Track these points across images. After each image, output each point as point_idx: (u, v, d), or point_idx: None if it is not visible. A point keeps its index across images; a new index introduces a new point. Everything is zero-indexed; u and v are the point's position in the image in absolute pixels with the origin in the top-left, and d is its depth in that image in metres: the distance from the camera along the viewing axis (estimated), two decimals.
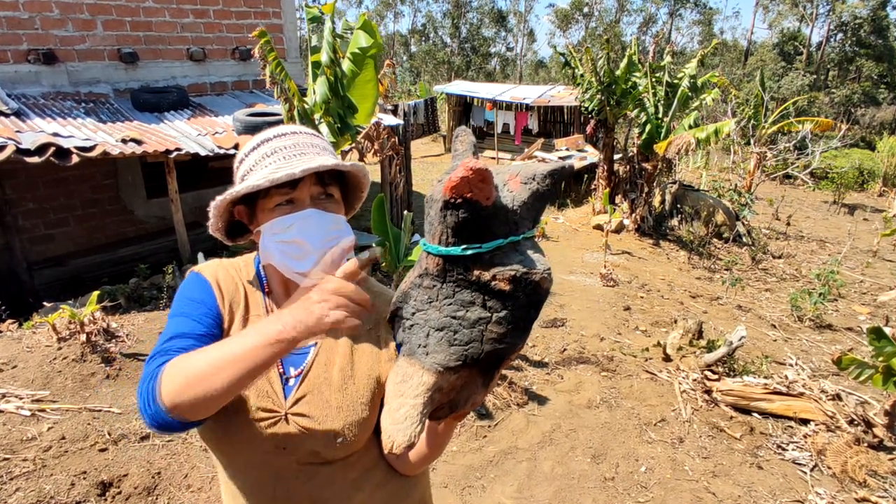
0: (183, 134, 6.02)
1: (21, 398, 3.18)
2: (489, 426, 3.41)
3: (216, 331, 0.99)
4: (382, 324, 1.08)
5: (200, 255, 5.44)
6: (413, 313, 0.74)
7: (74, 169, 5.34)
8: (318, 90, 3.26)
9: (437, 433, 1.02)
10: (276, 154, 0.99)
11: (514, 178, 0.73)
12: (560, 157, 12.41)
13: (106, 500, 2.46)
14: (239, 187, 0.96)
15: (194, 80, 7.79)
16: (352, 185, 1.10)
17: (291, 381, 1.02)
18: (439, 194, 0.69)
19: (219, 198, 0.98)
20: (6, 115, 5.32)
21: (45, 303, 5.07)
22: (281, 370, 1.03)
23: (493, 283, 0.68)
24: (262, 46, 3.19)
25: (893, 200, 6.14)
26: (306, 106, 3.36)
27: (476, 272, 0.68)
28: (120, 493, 2.51)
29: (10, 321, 4.42)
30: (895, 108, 25.48)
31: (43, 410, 3.04)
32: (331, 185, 1.02)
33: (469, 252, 0.67)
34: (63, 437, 2.78)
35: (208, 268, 1.09)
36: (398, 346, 1.08)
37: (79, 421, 2.95)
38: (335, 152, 1.12)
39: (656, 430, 3.59)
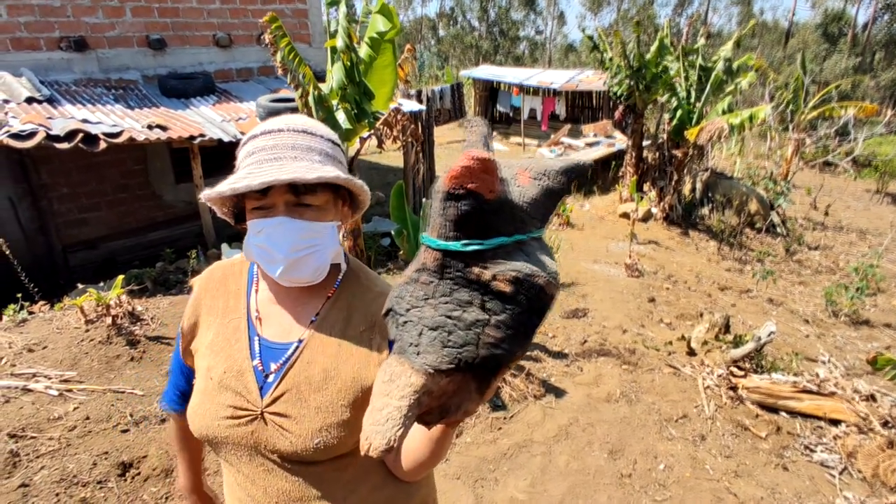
0: (207, 120, 6.08)
1: (50, 378, 3.28)
2: (504, 418, 3.38)
3: (182, 358, 1.15)
4: (378, 328, 1.04)
5: (224, 246, 5.52)
6: (407, 309, 0.70)
7: (105, 154, 5.46)
8: (334, 76, 3.21)
9: (433, 440, 0.97)
10: (254, 155, 0.97)
11: (524, 172, 0.69)
12: (587, 144, 12.17)
13: (126, 480, 2.52)
14: (210, 191, 0.95)
15: (220, 67, 7.85)
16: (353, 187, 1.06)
17: (271, 378, 1.00)
18: (440, 185, 0.65)
19: (202, 195, 0.97)
20: (39, 102, 5.46)
21: (78, 284, 5.23)
22: (261, 366, 1.01)
23: (493, 283, 0.64)
24: (273, 32, 3.15)
25: None
26: (322, 92, 3.33)
27: (476, 270, 0.64)
28: (139, 473, 2.57)
29: (42, 303, 4.56)
30: None
31: (70, 391, 3.13)
32: (308, 194, 0.97)
33: (469, 248, 0.63)
34: (87, 418, 2.86)
35: (203, 278, 1.14)
36: (391, 344, 1.05)
37: (103, 402, 3.02)
38: (333, 150, 1.04)
39: (677, 427, 3.51)
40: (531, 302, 0.65)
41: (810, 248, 9.18)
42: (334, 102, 3.41)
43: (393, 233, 3.95)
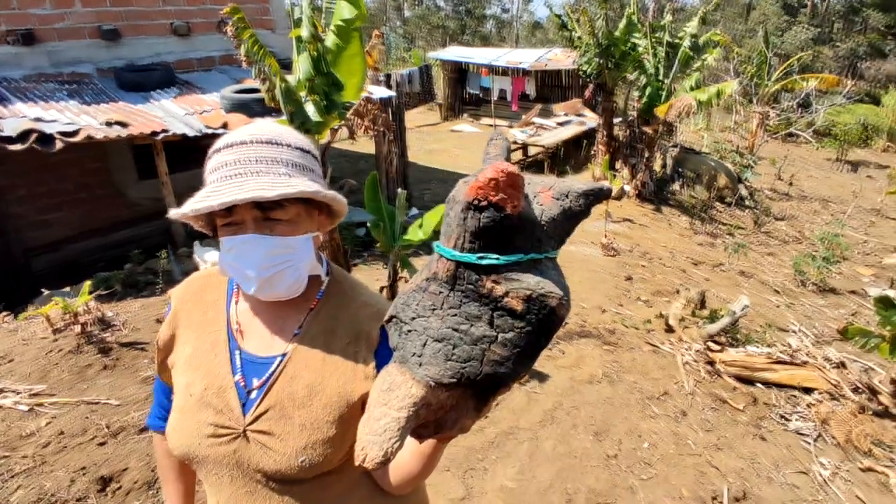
0: (169, 114, 5.86)
1: (18, 393, 3.15)
2: (490, 410, 3.39)
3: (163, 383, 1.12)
4: (364, 339, 1.00)
5: (196, 244, 5.37)
6: (413, 318, 0.68)
7: (63, 153, 5.22)
8: (301, 67, 3.11)
9: (424, 454, 0.95)
10: (218, 172, 0.92)
11: (547, 191, 0.68)
12: (558, 123, 12.18)
13: (106, 495, 2.45)
14: (176, 211, 0.90)
15: (180, 56, 7.56)
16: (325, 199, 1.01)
17: (253, 394, 0.97)
18: (462, 195, 0.63)
19: (170, 213, 0.92)
20: None
21: (42, 290, 5.03)
22: (243, 382, 0.97)
23: (504, 299, 0.62)
24: (235, 23, 3.02)
25: None
26: (289, 84, 3.22)
27: (489, 285, 0.63)
28: (120, 487, 2.49)
29: (4, 313, 4.38)
30: None
31: (41, 405, 3.02)
32: (276, 209, 0.93)
33: (485, 262, 0.61)
34: (62, 433, 2.76)
35: (180, 290, 1.10)
36: (382, 356, 1.02)
37: (77, 415, 2.92)
38: (303, 159, 0.99)
39: (659, 404, 3.58)
40: (541, 322, 0.63)
41: (777, 219, 9.42)
42: (303, 94, 3.31)
43: (369, 225, 3.89)
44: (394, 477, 0.98)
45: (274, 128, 0.98)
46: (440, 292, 0.66)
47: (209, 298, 1.06)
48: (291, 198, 0.92)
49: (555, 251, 0.67)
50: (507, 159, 0.76)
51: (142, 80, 6.63)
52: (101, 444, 2.73)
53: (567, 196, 0.67)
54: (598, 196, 0.68)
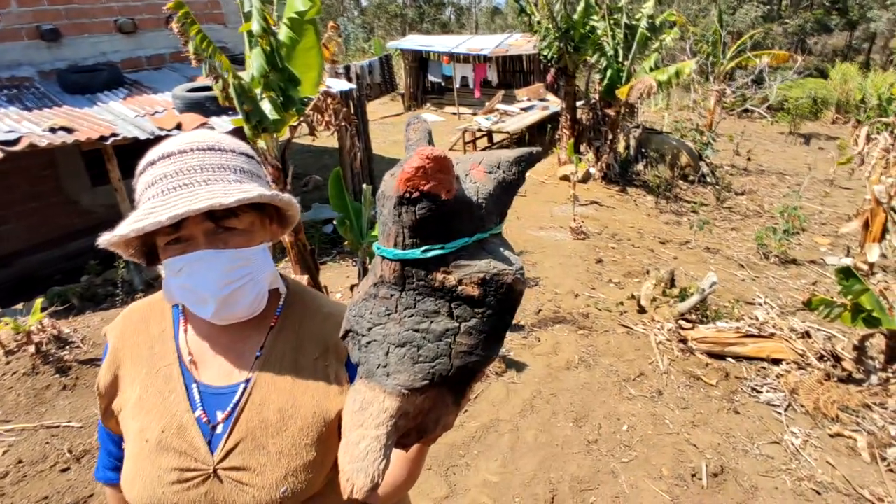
0: (119, 116, 5.60)
1: None
2: (469, 400, 3.37)
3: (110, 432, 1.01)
4: (332, 352, 0.94)
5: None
6: (369, 328, 0.64)
7: (7, 161, 4.93)
8: (254, 63, 2.97)
9: (410, 459, 0.91)
10: (157, 185, 0.83)
11: (477, 166, 0.65)
12: (522, 109, 12.18)
13: None
14: (110, 236, 0.80)
15: (127, 55, 7.24)
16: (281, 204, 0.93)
17: (219, 429, 0.89)
18: (392, 189, 0.59)
19: (101, 240, 0.82)
20: None
21: None
22: (205, 417, 0.89)
23: (459, 288, 0.59)
24: (181, 19, 2.86)
25: (859, 138, 6.20)
26: (243, 81, 3.09)
27: (439, 277, 0.59)
28: None
29: None
30: (846, 35, 25.71)
31: None
32: (230, 218, 0.85)
33: (430, 254, 0.58)
34: (20, 461, 2.62)
35: (118, 326, 0.99)
36: (354, 367, 0.96)
37: (36, 441, 2.77)
38: (249, 164, 0.92)
39: (635, 386, 3.61)
40: (501, 302, 0.61)
41: (738, 194, 9.65)
42: (258, 91, 3.18)
43: (335, 223, 3.79)
44: (381, 488, 0.93)
45: (211, 134, 0.91)
46: (391, 295, 0.62)
47: (153, 331, 0.97)
48: (246, 205, 0.85)
49: (499, 226, 0.65)
50: (430, 143, 0.72)
51: (87, 82, 6.32)
52: (64, 470, 2.60)
53: (499, 167, 0.65)
54: (529, 161, 0.67)
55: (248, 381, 0.91)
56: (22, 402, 3.09)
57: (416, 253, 0.58)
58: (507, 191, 0.66)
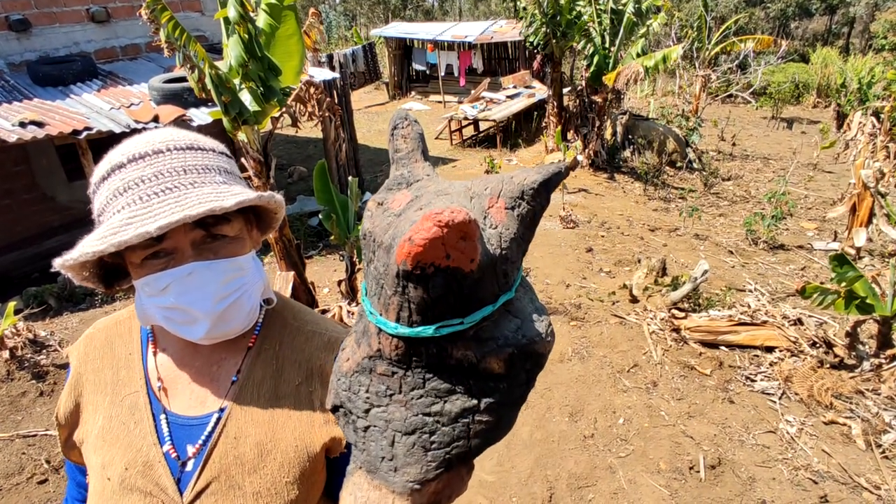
0: (93, 109, 5.40)
1: None
2: None
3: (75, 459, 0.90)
4: (317, 376, 0.84)
5: None
6: (367, 410, 0.53)
7: None
8: (232, 52, 2.83)
9: None
10: (131, 192, 0.71)
11: (497, 203, 0.51)
12: (508, 96, 12.06)
13: None
14: (75, 252, 0.69)
15: (101, 45, 6.98)
16: (262, 208, 0.84)
17: (189, 465, 0.79)
18: (387, 237, 0.47)
19: (57, 261, 0.71)
20: None
21: None
22: (174, 452, 0.79)
23: (482, 365, 0.49)
24: (150, 5, 2.70)
25: (852, 123, 6.23)
26: (220, 72, 2.95)
27: (457, 354, 0.48)
28: None
29: None
30: (826, 19, 25.88)
31: None
32: (221, 224, 0.75)
33: (445, 332, 0.47)
34: None
35: (80, 347, 0.89)
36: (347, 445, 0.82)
37: (11, 451, 2.65)
38: (229, 163, 0.83)
39: (630, 377, 3.58)
40: (529, 372, 0.51)
41: (724, 180, 9.66)
42: (237, 82, 3.04)
43: (321, 216, 3.68)
44: None
45: (183, 132, 0.80)
46: (393, 373, 0.51)
47: (119, 353, 0.86)
48: (235, 210, 0.76)
49: (520, 272, 0.54)
50: (424, 151, 0.61)
51: (59, 74, 6.08)
52: (42, 481, 2.49)
53: (522, 198, 0.52)
54: (557, 182, 0.55)
55: (222, 410, 0.81)
56: None
57: (427, 331, 0.47)
58: (531, 226, 0.54)
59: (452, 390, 0.49)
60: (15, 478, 2.50)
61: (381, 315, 0.49)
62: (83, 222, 6.72)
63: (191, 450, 0.79)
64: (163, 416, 0.81)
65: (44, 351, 3.48)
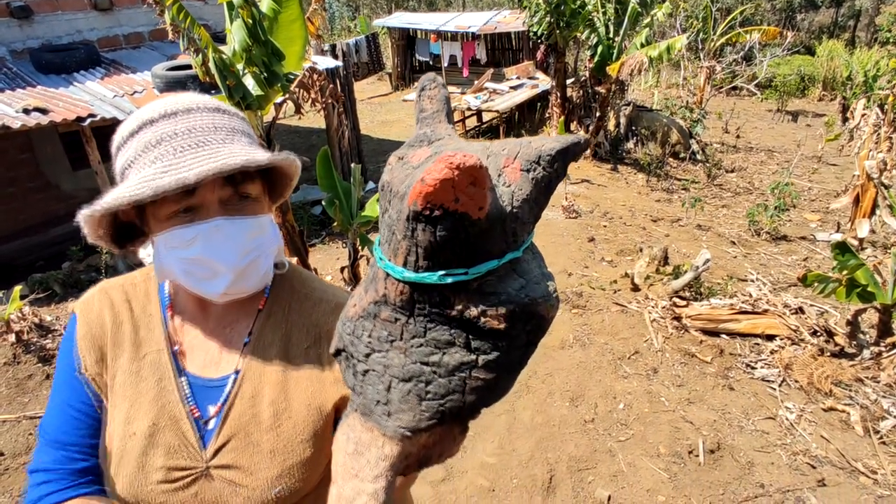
0: (96, 97, 5.41)
1: None
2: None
3: (93, 412, 0.83)
4: (325, 340, 0.87)
5: (141, 251, 5.03)
6: (367, 354, 0.54)
7: None
8: (235, 36, 2.83)
9: (403, 482, 0.84)
10: (163, 145, 0.73)
11: (512, 163, 0.52)
12: (511, 87, 12.02)
13: None
14: (109, 197, 0.71)
15: (104, 33, 6.97)
16: (278, 172, 0.86)
17: (210, 424, 0.82)
18: (403, 186, 0.48)
19: (84, 211, 0.72)
20: None
21: None
22: (196, 412, 0.82)
23: (482, 320, 0.49)
24: None
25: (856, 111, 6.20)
26: (224, 56, 2.96)
27: (458, 306, 0.49)
28: None
29: None
30: (833, 11, 25.66)
31: None
32: (248, 183, 0.78)
33: (449, 280, 0.47)
34: (1, 454, 2.54)
35: (87, 305, 0.87)
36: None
37: (18, 432, 2.69)
38: (250, 129, 0.86)
39: (630, 364, 3.59)
40: (530, 334, 0.51)
41: (728, 172, 9.63)
42: (240, 66, 3.05)
43: (324, 203, 3.70)
44: None
45: (207, 97, 0.83)
46: (396, 319, 0.52)
47: (138, 312, 0.87)
48: (256, 172, 0.80)
49: (530, 235, 0.54)
50: (449, 113, 0.62)
51: (62, 62, 6.08)
52: None
53: (538, 163, 0.52)
54: (575, 154, 0.55)
55: (237, 371, 0.84)
56: (3, 392, 2.99)
57: (432, 277, 0.48)
58: (545, 192, 0.53)
59: (451, 342, 0.50)
60: (22, 457, 2.54)
61: (389, 260, 0.50)
62: None
63: (211, 409, 0.82)
64: (184, 378, 0.83)
65: (49, 335, 3.52)
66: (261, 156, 0.74)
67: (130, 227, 0.85)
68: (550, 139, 0.53)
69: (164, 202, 0.74)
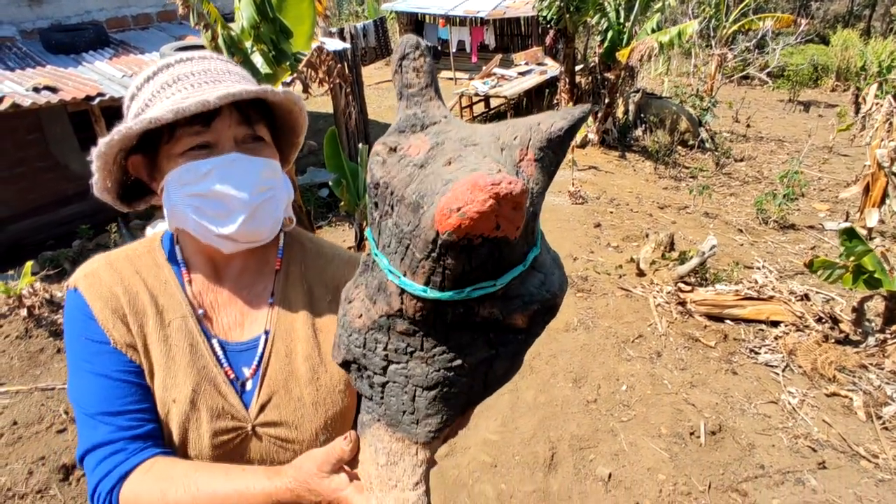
0: (105, 76, 5.42)
1: None
2: None
3: (135, 378, 0.78)
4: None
5: (149, 229, 5.06)
6: (384, 367, 0.53)
7: None
8: (244, 13, 2.83)
9: None
10: (181, 82, 0.76)
11: (526, 155, 0.49)
12: (519, 73, 11.93)
13: (70, 484, 2.32)
14: (130, 123, 0.71)
15: (113, 14, 6.97)
16: (284, 127, 0.87)
17: (248, 385, 0.82)
18: (413, 194, 0.44)
19: (102, 140, 0.71)
20: None
21: None
22: (232, 374, 0.82)
23: (506, 321, 0.49)
24: None
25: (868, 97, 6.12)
26: (233, 33, 2.96)
27: (484, 313, 0.48)
28: (84, 475, 2.36)
29: None
30: (848, 0, 25.20)
31: None
32: (262, 124, 0.81)
33: (478, 294, 0.46)
34: (15, 423, 2.59)
35: (93, 279, 0.81)
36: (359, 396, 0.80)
37: (31, 403, 2.75)
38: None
39: (634, 347, 3.61)
40: (545, 321, 0.53)
41: (737, 161, 9.56)
42: (248, 44, 3.05)
43: (331, 183, 3.71)
44: None
45: (218, 54, 0.88)
46: (415, 332, 0.50)
47: (151, 281, 0.83)
48: (263, 120, 0.82)
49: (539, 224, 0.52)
50: (437, 88, 0.57)
51: (71, 42, 6.09)
52: (61, 430, 2.58)
53: (549, 147, 0.49)
54: (579, 127, 0.52)
55: (266, 332, 0.84)
56: (15, 364, 3.05)
57: (460, 295, 0.45)
58: (553, 175, 0.51)
59: (473, 343, 0.50)
60: (34, 426, 2.59)
61: (405, 277, 0.47)
62: None
63: (247, 371, 0.83)
64: (214, 341, 0.83)
65: (60, 311, 3.57)
66: (278, 89, 0.77)
67: (137, 185, 0.87)
68: (557, 117, 0.50)
69: (180, 137, 0.74)
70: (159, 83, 0.76)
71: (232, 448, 0.80)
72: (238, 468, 0.72)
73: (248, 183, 0.75)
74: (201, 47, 5.36)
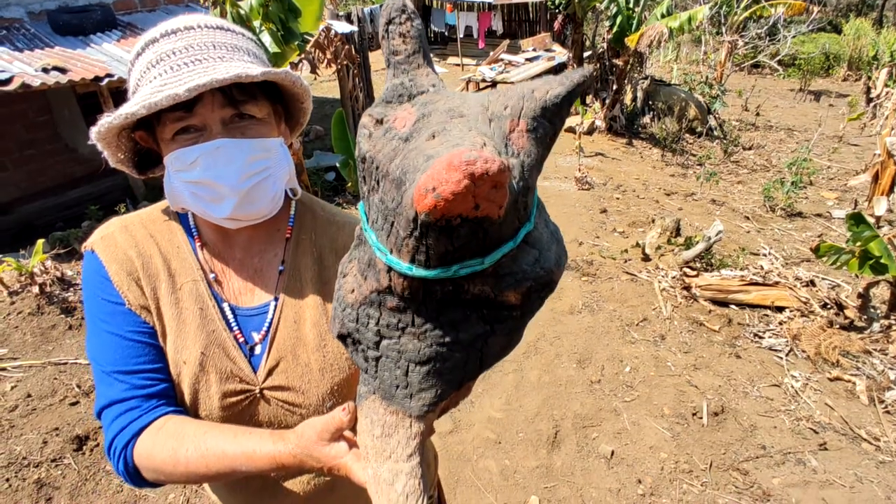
0: (113, 58, 5.43)
1: None
2: None
3: (149, 339, 0.81)
4: None
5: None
6: (377, 342, 0.53)
7: (1, 106, 4.82)
8: None
9: None
10: (162, 63, 0.74)
11: (517, 126, 0.46)
12: (527, 59, 11.85)
13: (83, 454, 2.37)
14: (111, 117, 0.71)
15: None
16: (289, 95, 0.86)
17: (257, 349, 0.84)
18: (396, 170, 0.42)
19: (92, 129, 0.73)
20: None
21: None
22: (241, 337, 0.84)
23: (499, 297, 0.48)
24: None
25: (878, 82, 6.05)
26: (242, 11, 2.96)
27: (474, 290, 0.47)
28: (97, 445, 2.42)
29: None
30: None
31: (3, 369, 2.88)
32: (249, 103, 0.77)
33: (465, 272, 0.45)
34: (29, 395, 2.65)
35: (109, 242, 0.83)
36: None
37: (44, 377, 2.80)
38: (259, 51, 0.85)
39: (638, 330, 3.63)
40: (542, 297, 0.51)
41: (745, 149, 9.49)
42: (257, 23, 3.05)
43: (338, 165, 3.72)
44: None
45: (214, 17, 0.83)
46: (405, 307, 0.49)
47: (164, 245, 0.85)
48: (262, 93, 0.79)
49: (535, 192, 0.50)
50: (426, 52, 0.55)
51: (79, 23, 6.10)
52: (73, 403, 2.64)
53: (544, 116, 0.46)
54: (578, 93, 0.49)
55: (276, 299, 0.86)
56: (28, 340, 3.11)
57: (446, 273, 0.44)
58: (549, 146, 0.48)
59: (466, 319, 0.49)
60: (48, 399, 2.65)
61: (391, 254, 0.46)
62: (108, 173, 6.83)
63: (256, 336, 0.85)
64: (225, 305, 0.85)
65: (71, 289, 3.62)
66: (254, 70, 0.71)
67: (150, 152, 0.87)
68: (554, 82, 0.48)
69: (165, 122, 0.74)
70: (145, 62, 0.75)
71: (241, 410, 0.82)
72: (246, 430, 0.75)
73: (233, 170, 0.75)
74: None
